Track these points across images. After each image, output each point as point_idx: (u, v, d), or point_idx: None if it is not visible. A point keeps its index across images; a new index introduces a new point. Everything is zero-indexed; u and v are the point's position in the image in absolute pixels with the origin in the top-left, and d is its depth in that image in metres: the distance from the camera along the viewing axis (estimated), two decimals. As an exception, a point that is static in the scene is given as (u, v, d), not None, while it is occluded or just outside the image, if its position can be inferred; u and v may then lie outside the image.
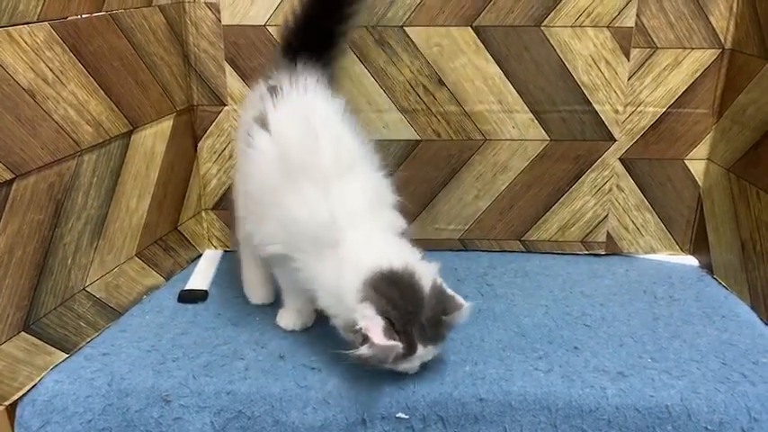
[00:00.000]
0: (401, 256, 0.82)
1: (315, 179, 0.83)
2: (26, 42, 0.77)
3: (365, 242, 0.82)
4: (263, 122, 0.88)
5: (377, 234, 0.84)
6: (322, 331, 0.94)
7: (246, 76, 1.12)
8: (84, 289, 0.91)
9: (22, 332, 0.81)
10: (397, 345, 0.76)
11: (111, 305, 0.97)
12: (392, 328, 0.77)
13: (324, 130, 0.86)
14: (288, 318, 0.96)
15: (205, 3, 1.08)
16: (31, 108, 0.79)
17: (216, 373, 0.85)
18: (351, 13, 0.95)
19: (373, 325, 0.76)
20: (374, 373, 0.84)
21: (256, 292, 1.03)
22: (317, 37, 0.94)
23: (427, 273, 0.82)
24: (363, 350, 0.75)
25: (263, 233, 0.86)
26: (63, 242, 0.86)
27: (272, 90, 0.90)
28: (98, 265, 0.94)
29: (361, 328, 0.76)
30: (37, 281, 0.83)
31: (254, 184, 0.88)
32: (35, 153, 0.80)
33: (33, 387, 0.82)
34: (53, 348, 0.86)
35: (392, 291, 0.78)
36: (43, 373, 0.84)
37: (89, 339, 0.92)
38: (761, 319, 0.99)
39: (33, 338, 0.83)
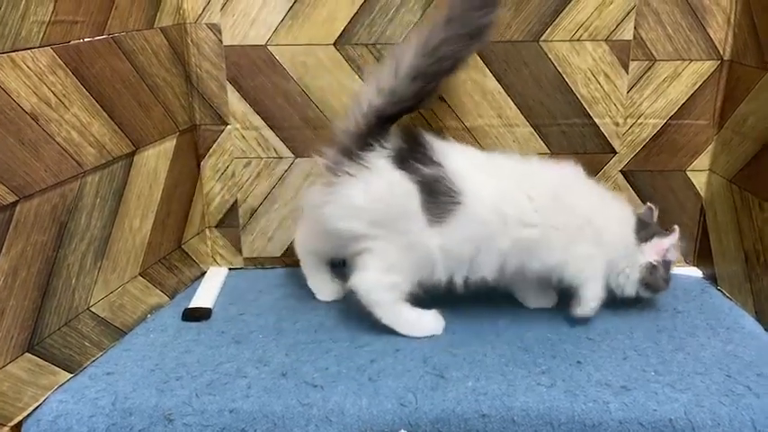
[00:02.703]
0: None
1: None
2: (29, 67, 0.79)
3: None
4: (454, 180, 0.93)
5: None
6: (323, 348, 0.95)
7: (248, 96, 1.13)
8: (88, 309, 0.92)
9: (27, 353, 0.82)
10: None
11: (116, 324, 0.98)
12: None
13: None
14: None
15: (206, 24, 1.10)
16: (35, 131, 0.80)
17: (219, 392, 0.85)
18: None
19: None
20: (376, 390, 0.84)
21: (423, 320, 1.00)
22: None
23: None
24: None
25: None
26: (67, 263, 0.87)
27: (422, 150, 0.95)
28: (102, 284, 0.95)
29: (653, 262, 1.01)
30: (41, 302, 0.84)
31: (476, 226, 0.93)
32: (38, 175, 0.81)
33: (38, 407, 0.83)
34: (57, 368, 0.86)
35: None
36: (48, 393, 0.85)
37: (93, 359, 0.93)
38: (765, 331, 0.99)
39: (37, 359, 0.83)
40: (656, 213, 1.08)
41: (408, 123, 1.00)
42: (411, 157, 0.93)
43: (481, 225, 0.93)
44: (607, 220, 0.99)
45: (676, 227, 1.03)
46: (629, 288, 1.02)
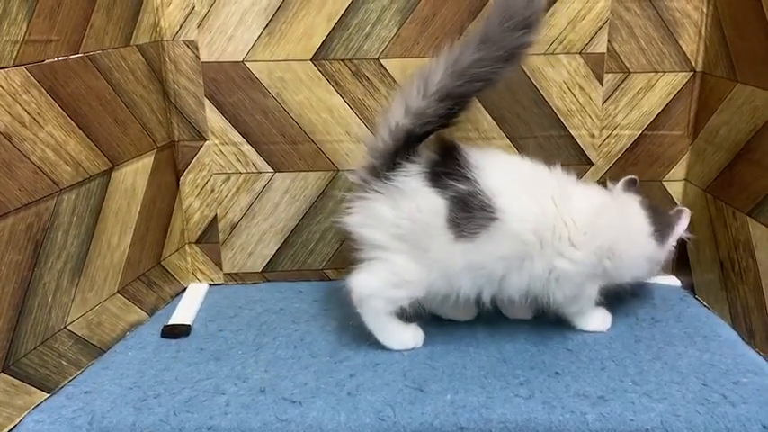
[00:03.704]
0: None
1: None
2: (2, 87, 0.78)
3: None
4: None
5: None
6: (302, 363, 0.95)
7: (226, 111, 1.14)
8: (65, 327, 0.92)
9: (2, 373, 0.81)
10: None
11: (94, 342, 0.97)
12: None
13: None
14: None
15: (183, 41, 1.10)
16: (8, 150, 0.80)
17: (197, 409, 0.85)
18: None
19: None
20: (354, 405, 0.84)
21: (405, 334, 0.99)
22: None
23: None
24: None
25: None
26: (43, 281, 0.87)
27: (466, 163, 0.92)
28: (79, 302, 0.94)
29: None
30: (16, 321, 0.83)
31: (511, 245, 0.92)
32: (12, 194, 0.81)
33: (13, 428, 0.82)
34: (33, 388, 0.86)
35: None
36: (23, 414, 0.84)
37: (71, 378, 0.92)
38: (742, 339, 1.00)
39: (13, 379, 0.83)
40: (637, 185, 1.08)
41: (441, 132, 0.95)
42: (444, 172, 0.90)
43: (517, 244, 0.92)
44: (630, 246, 0.99)
45: (685, 209, 1.06)
46: (651, 276, 1.08)
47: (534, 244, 0.92)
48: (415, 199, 0.91)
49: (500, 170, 0.93)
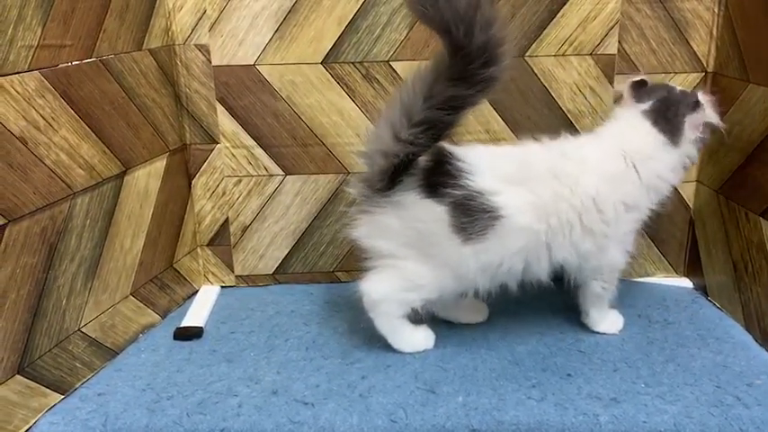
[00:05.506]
0: None
1: None
2: (17, 91, 0.79)
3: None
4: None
5: None
6: (314, 365, 0.95)
7: (238, 115, 1.14)
8: (78, 330, 0.92)
9: (17, 375, 0.82)
10: None
11: (107, 345, 0.98)
12: None
13: None
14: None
15: (195, 45, 1.11)
16: (23, 154, 0.81)
17: (209, 411, 0.85)
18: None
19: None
20: (367, 407, 0.85)
21: (416, 336, 0.99)
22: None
23: None
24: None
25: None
26: (57, 284, 0.88)
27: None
28: (93, 305, 0.95)
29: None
30: (31, 323, 0.84)
31: (522, 238, 0.92)
32: (27, 198, 0.81)
33: (28, 430, 0.83)
34: (48, 390, 0.86)
35: None
36: (38, 416, 0.85)
37: (84, 380, 0.93)
38: (755, 341, 0.99)
39: (28, 381, 0.83)
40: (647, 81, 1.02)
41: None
42: (439, 180, 0.91)
43: (528, 234, 0.92)
44: (653, 173, 0.97)
45: (698, 93, 1.00)
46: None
47: (546, 231, 0.92)
48: (414, 210, 0.91)
49: (492, 167, 0.92)
